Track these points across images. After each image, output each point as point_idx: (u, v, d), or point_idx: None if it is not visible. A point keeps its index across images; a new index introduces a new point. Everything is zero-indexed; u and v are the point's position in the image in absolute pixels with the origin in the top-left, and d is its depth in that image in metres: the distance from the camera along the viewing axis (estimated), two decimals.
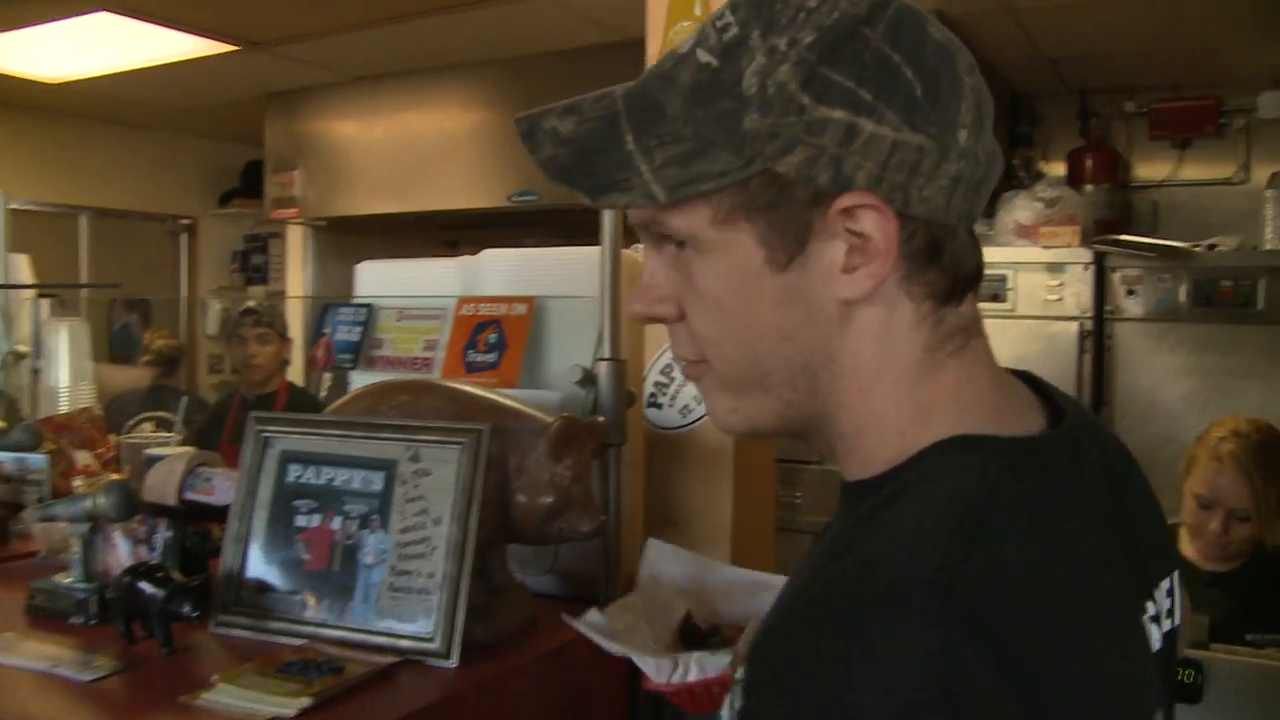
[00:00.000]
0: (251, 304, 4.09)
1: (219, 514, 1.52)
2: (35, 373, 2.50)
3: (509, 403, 1.51)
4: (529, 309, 1.83)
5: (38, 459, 1.92)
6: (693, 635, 1.23)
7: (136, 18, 3.78)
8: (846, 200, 0.70)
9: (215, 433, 3.55)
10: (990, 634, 0.61)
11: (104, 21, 3.78)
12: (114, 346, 5.76)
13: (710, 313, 0.76)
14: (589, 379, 1.64)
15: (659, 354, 1.69)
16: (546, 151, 0.75)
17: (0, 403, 2.32)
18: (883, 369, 0.75)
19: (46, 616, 1.45)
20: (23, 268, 2.51)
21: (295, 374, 4.32)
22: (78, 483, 1.94)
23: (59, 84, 4.67)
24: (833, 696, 0.61)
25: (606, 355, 1.61)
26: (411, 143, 4.91)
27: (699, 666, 1.00)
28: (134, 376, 4.37)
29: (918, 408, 0.75)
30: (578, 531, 1.41)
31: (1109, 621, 0.70)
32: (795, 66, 0.69)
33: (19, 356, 2.38)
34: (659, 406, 1.68)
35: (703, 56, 0.72)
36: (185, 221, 6.41)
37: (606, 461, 1.58)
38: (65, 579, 1.48)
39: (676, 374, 1.64)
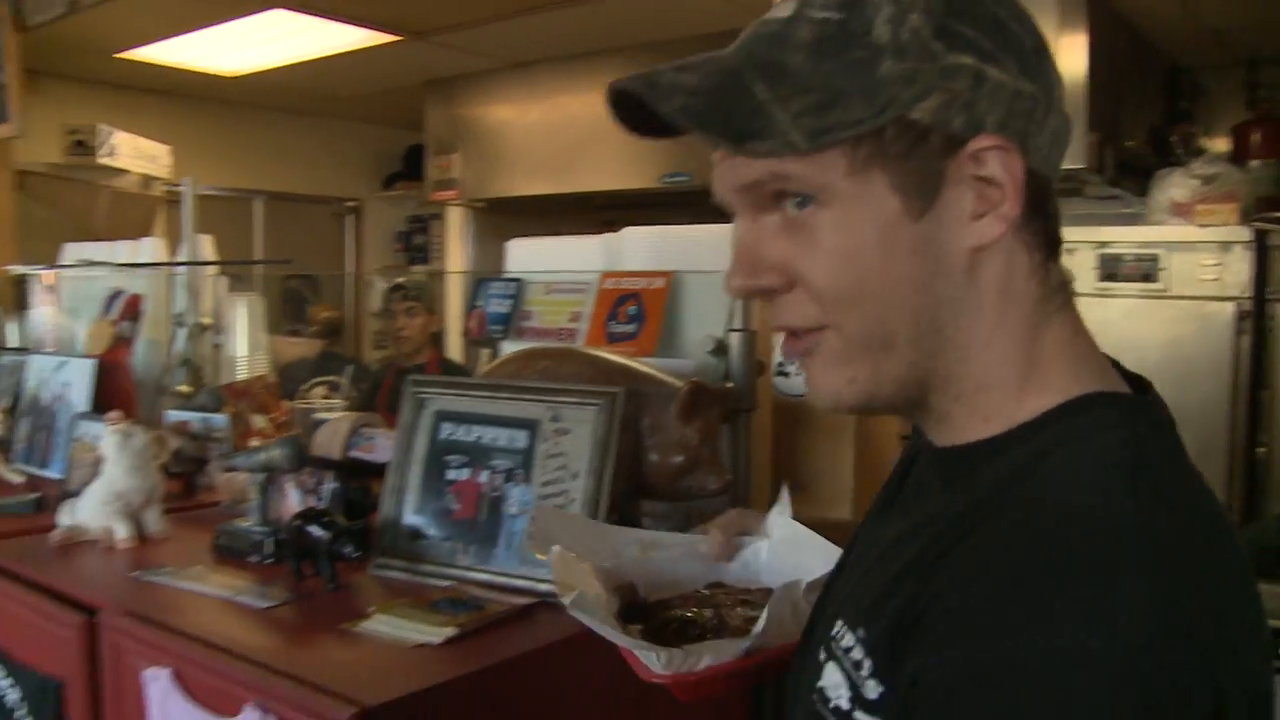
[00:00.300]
0: (400, 280, 4.30)
1: (378, 470, 1.66)
2: (216, 344, 2.71)
3: (644, 369, 1.61)
4: (666, 283, 1.92)
5: (220, 419, 2.10)
6: (643, 612, 1.09)
7: (308, 13, 3.99)
8: (979, 143, 0.71)
9: (372, 400, 3.76)
10: (1194, 581, 0.63)
11: (278, 18, 4.01)
12: (284, 320, 6.09)
13: (839, 270, 0.74)
14: (721, 348, 1.72)
15: None
16: (677, 101, 0.73)
17: (187, 370, 2.53)
18: (1004, 321, 0.76)
19: (229, 555, 1.62)
20: (206, 247, 2.72)
21: (453, 344, 4.52)
22: (254, 444, 2.12)
23: (237, 77, 4.96)
24: (1056, 641, 0.60)
25: (738, 326, 1.70)
26: (566, 126, 5.04)
27: (713, 654, 0.92)
28: (303, 348, 4.63)
29: (1034, 363, 0.76)
30: (706, 489, 1.50)
31: (1247, 568, 0.72)
32: (925, 15, 0.71)
33: (203, 328, 2.58)
34: (786, 375, 1.76)
35: (819, 14, 0.73)
36: (352, 204, 6.70)
37: (736, 426, 1.66)
38: (245, 523, 1.64)
39: None
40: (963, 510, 0.73)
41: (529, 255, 2.27)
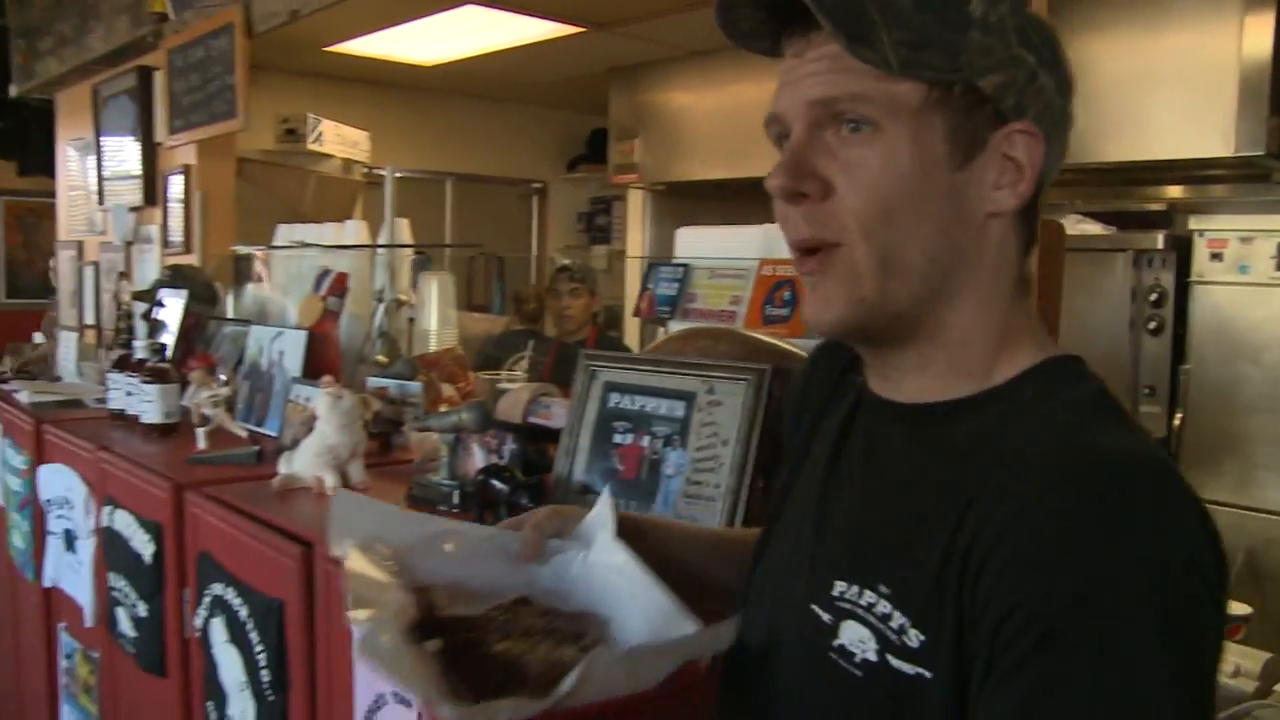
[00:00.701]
0: (567, 263, 4.51)
1: (553, 434, 1.86)
2: (410, 319, 2.96)
3: (793, 349, 1.76)
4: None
5: (415, 386, 2.34)
6: (441, 626, 0.99)
7: (499, 8, 4.23)
8: (1019, 125, 0.84)
9: (538, 372, 4.00)
10: (1192, 491, 0.75)
11: (472, 13, 4.26)
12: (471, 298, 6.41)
13: (879, 189, 0.83)
14: None
15: None
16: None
17: (384, 341, 2.79)
18: (996, 286, 0.87)
19: (421, 503, 1.84)
20: (404, 230, 2.98)
21: (629, 324, 4.72)
22: (443, 409, 2.35)
23: (432, 66, 5.26)
24: (1143, 555, 0.70)
25: None
26: (742, 113, 5.16)
27: (508, 714, 0.82)
28: (487, 324, 4.90)
29: (1010, 330, 0.88)
30: None
31: None
32: (1011, 9, 0.84)
33: (400, 304, 2.84)
34: None
35: None
36: (537, 185, 6.97)
37: None
38: (435, 477, 1.86)
39: None
40: (954, 463, 0.83)
41: (696, 242, 2.44)
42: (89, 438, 2.56)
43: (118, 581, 2.29)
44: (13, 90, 5.68)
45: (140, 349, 2.70)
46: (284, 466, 1.99)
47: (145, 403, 2.61)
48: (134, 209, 4.50)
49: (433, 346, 2.82)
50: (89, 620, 2.49)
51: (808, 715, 0.90)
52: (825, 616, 0.87)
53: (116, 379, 2.81)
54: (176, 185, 4.14)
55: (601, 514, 1.10)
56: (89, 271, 5.03)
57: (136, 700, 2.33)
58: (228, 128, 3.67)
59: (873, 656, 0.82)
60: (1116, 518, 0.72)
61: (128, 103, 4.47)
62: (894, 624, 0.81)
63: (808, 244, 0.86)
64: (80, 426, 2.74)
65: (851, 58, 0.81)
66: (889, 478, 0.89)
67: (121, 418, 2.76)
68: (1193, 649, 0.71)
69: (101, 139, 4.76)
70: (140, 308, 3.50)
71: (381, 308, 2.80)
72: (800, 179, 0.85)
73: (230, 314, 3.45)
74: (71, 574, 2.62)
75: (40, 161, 7.71)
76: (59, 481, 2.63)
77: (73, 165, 5.39)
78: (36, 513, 2.81)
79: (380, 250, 2.86)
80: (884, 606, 0.82)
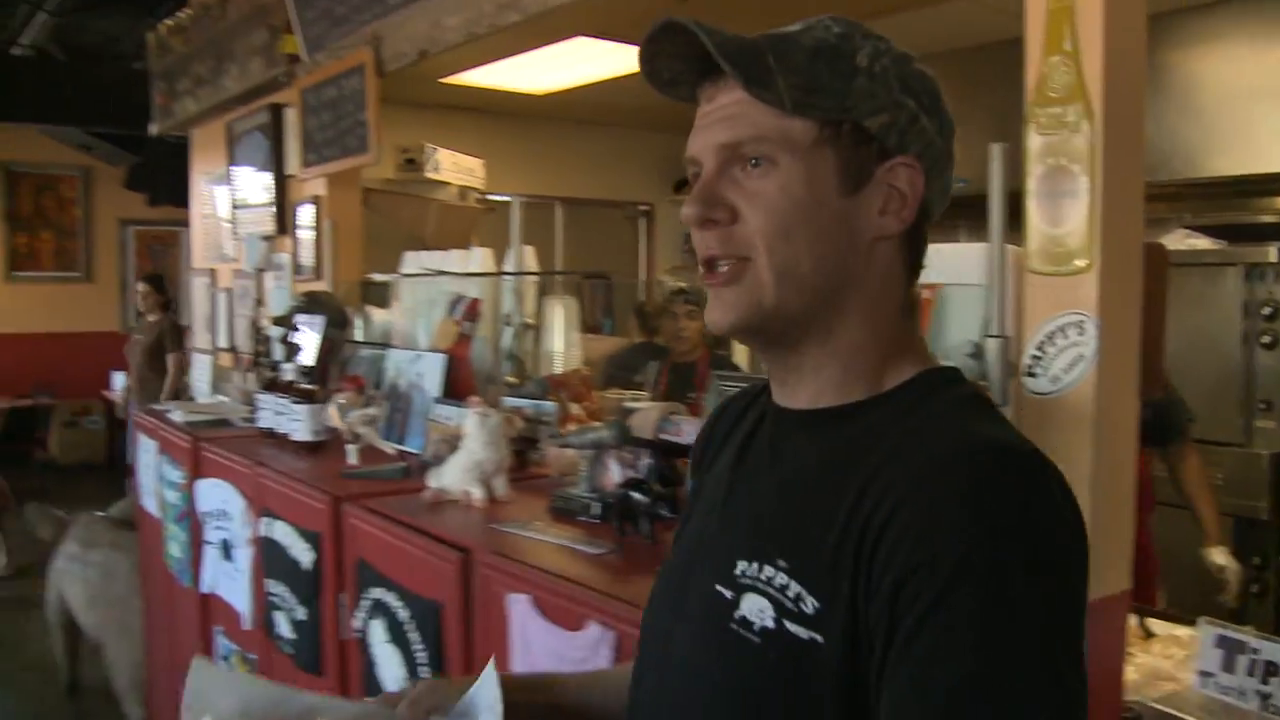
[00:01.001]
0: (683, 285, 4.64)
1: (683, 450, 1.99)
2: (536, 341, 3.12)
3: None
4: (934, 294, 2.16)
5: (549, 405, 2.50)
6: None
7: (606, 39, 4.41)
8: (902, 159, 0.98)
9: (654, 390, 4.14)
10: (1063, 488, 0.90)
11: (580, 44, 4.44)
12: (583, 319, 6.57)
13: (778, 213, 0.97)
14: (978, 352, 1.96)
15: (1037, 331, 1.97)
16: (718, 38, 0.95)
17: (513, 363, 2.96)
18: (881, 305, 1.01)
19: (562, 514, 1.99)
20: (530, 257, 3.14)
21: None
22: (571, 428, 2.50)
23: (543, 95, 5.45)
24: (1045, 519, 0.86)
25: (994, 333, 1.93)
26: None
27: None
28: (606, 344, 5.05)
29: (896, 344, 1.01)
30: None
31: None
32: (893, 62, 0.99)
33: (527, 327, 3.00)
34: (1034, 375, 1.96)
35: (821, 33, 0.99)
36: (644, 207, 7.14)
37: None
38: (576, 490, 2.02)
39: (1050, 348, 1.91)
40: (852, 453, 0.95)
41: None
42: (244, 454, 2.77)
43: (276, 588, 2.49)
44: (153, 129, 6.03)
45: (289, 371, 2.91)
46: (433, 481, 2.16)
47: (294, 421, 2.82)
48: (266, 238, 4.76)
49: (558, 368, 2.97)
50: (247, 623, 2.69)
51: (713, 688, 0.99)
52: (727, 593, 0.98)
53: (266, 400, 3.02)
54: (306, 215, 4.38)
55: (487, 692, 1.03)
56: (222, 297, 5.33)
57: None
58: (360, 162, 3.89)
59: (770, 623, 0.93)
60: (992, 491, 0.86)
61: (260, 138, 4.74)
62: (791, 593, 0.93)
63: (716, 260, 1.00)
64: (233, 444, 2.96)
65: (753, 105, 0.96)
66: (788, 473, 1.02)
67: (272, 436, 2.97)
68: (1065, 598, 0.86)
69: (233, 171, 5.04)
70: (277, 332, 3.73)
71: (510, 331, 2.97)
72: (712, 208, 0.99)
73: (360, 338, 3.66)
74: (229, 581, 2.83)
75: (168, 193, 8.17)
76: (217, 495, 2.85)
77: (205, 197, 5.70)
78: (194, 524, 3.03)
79: (507, 276, 3.03)
80: (782, 579, 0.94)
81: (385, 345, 3.26)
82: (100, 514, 4.66)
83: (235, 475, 2.77)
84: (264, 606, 2.58)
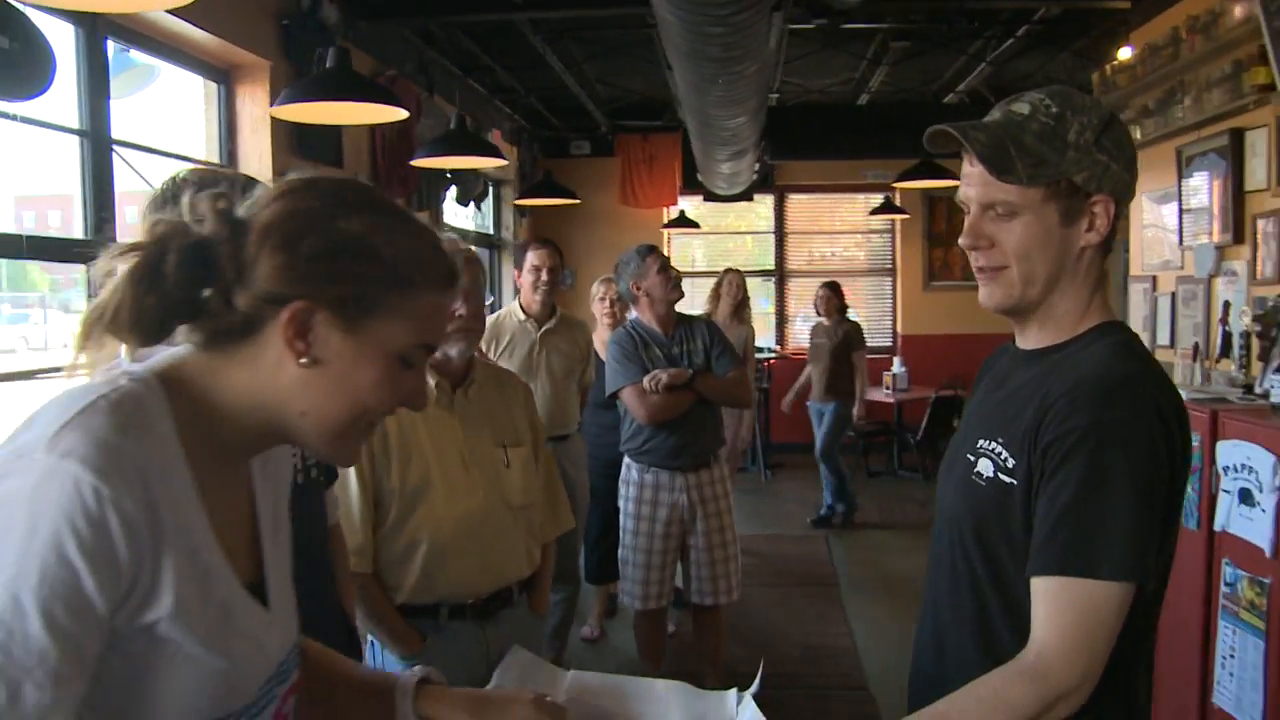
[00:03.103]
0: None
1: None
2: None
3: None
4: None
5: None
6: None
7: None
8: (1100, 198, 1.58)
9: None
10: (1159, 379, 1.59)
11: None
12: None
13: (1022, 243, 1.59)
14: None
15: None
16: (977, 144, 1.57)
17: None
18: (1083, 285, 1.64)
19: None
20: None
21: None
22: None
23: None
24: (1122, 412, 1.50)
25: None
26: None
27: None
28: None
29: (1088, 307, 1.66)
30: None
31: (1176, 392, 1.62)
32: (1093, 132, 1.56)
33: None
34: None
35: (1043, 117, 1.58)
36: None
37: None
38: None
39: None
40: (1045, 375, 1.61)
41: None
42: (1264, 420, 3.48)
43: None
44: None
45: None
46: None
47: None
48: (1218, 247, 5.40)
49: None
50: (1269, 552, 3.39)
51: (957, 514, 1.71)
52: (971, 458, 1.68)
53: (1278, 380, 3.69)
54: (1265, 225, 4.95)
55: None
56: (1163, 301, 6.07)
57: None
58: None
59: (990, 473, 1.63)
60: (1108, 403, 1.50)
61: (1216, 159, 5.39)
62: (1001, 456, 1.62)
63: (984, 268, 1.66)
64: (1246, 415, 3.67)
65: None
66: (1012, 389, 1.70)
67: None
68: (1145, 467, 1.48)
69: (1183, 189, 5.75)
70: (1238, 327, 4.39)
71: None
72: (978, 239, 1.64)
73: None
74: (1244, 521, 3.55)
75: None
76: (1238, 452, 3.59)
77: (1148, 212, 6.48)
78: (1205, 476, 3.80)
79: None
80: (999, 448, 1.63)
81: None
82: None
83: (1260, 435, 3.47)
84: None
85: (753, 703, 1.65)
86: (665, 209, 11.31)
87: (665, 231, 11.53)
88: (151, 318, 1.13)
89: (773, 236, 12.21)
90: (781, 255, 12.19)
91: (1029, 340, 1.71)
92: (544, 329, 5.15)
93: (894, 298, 12.03)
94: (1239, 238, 5.23)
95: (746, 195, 11.31)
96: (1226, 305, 5.12)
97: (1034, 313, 1.66)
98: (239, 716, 1.20)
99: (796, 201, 12.17)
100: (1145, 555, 1.46)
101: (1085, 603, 1.45)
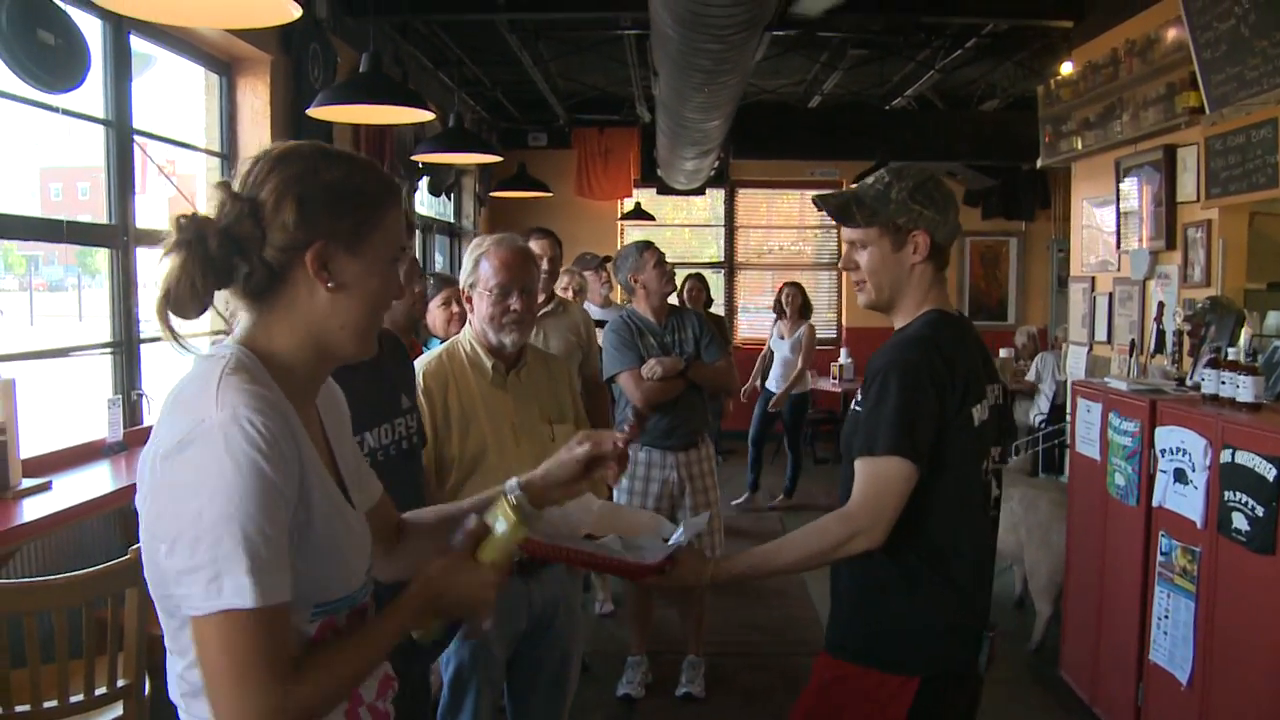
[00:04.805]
0: None
1: None
2: None
3: None
4: None
5: None
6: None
7: None
8: (919, 234, 2.34)
9: None
10: (938, 350, 2.30)
11: None
12: None
13: (871, 265, 2.38)
14: None
15: None
16: (829, 206, 2.45)
17: None
18: (919, 288, 2.39)
19: None
20: None
21: None
22: None
23: None
24: (918, 359, 2.27)
25: None
26: None
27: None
28: None
29: (926, 300, 2.40)
30: None
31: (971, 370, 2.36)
32: (908, 191, 2.34)
33: None
34: None
35: (878, 185, 2.37)
36: None
37: None
38: None
39: None
40: (884, 349, 2.36)
41: None
42: (1196, 408, 3.94)
43: (1233, 496, 3.61)
44: (1039, 162, 7.48)
45: (1233, 353, 4.01)
46: None
47: (1238, 388, 3.91)
48: (1152, 252, 5.90)
49: None
50: (1200, 524, 3.85)
51: (847, 442, 2.44)
52: (856, 407, 2.39)
53: (1208, 374, 4.16)
54: (1194, 233, 5.45)
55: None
56: (1101, 300, 6.58)
57: (1235, 577, 3.63)
58: (1270, 194, 4.85)
59: (855, 408, 2.40)
60: (899, 346, 2.33)
61: (1151, 171, 5.90)
62: (859, 396, 2.36)
63: (859, 281, 2.43)
64: (1180, 404, 4.14)
65: (852, 228, 2.41)
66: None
67: (1214, 399, 4.09)
68: (912, 384, 2.23)
69: (1120, 197, 6.26)
70: (1171, 325, 4.86)
71: None
72: (848, 263, 2.45)
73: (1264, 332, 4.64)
74: (1179, 498, 4.01)
75: (1001, 208, 9.87)
76: (1173, 436, 4.05)
77: (1087, 216, 6.99)
78: (1144, 458, 4.26)
79: None
80: (860, 392, 2.36)
81: None
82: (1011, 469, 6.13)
83: (1192, 422, 3.94)
84: (1217, 510, 3.72)
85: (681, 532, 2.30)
86: (620, 201, 11.64)
87: (620, 224, 11.87)
88: (203, 290, 1.44)
89: (722, 229, 12.62)
90: (731, 248, 12.61)
91: (895, 324, 2.47)
92: (543, 314, 5.45)
93: (839, 291, 12.51)
94: (1171, 244, 5.73)
95: (699, 190, 11.70)
96: (1160, 305, 5.60)
97: (890, 308, 2.46)
98: (352, 599, 1.55)
99: (746, 196, 12.60)
100: (911, 439, 2.21)
101: (873, 472, 2.24)
